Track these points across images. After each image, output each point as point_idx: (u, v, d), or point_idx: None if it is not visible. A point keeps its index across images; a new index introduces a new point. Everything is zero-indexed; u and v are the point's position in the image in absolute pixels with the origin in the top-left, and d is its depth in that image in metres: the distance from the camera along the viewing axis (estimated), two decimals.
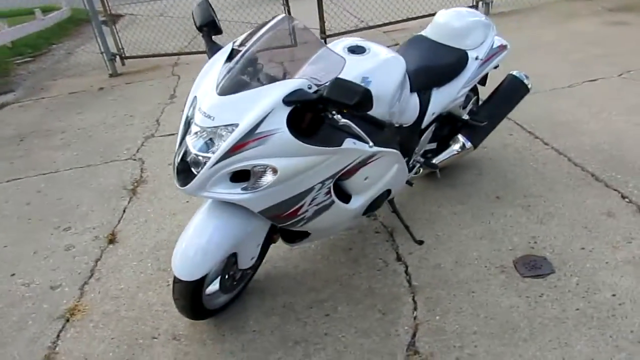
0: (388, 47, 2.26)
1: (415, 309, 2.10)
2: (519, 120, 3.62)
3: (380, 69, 2.04)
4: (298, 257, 2.50)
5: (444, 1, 6.75)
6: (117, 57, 6.58)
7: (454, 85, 2.52)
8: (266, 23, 1.86)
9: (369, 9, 7.11)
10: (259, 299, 2.26)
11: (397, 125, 2.25)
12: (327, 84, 1.56)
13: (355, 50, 2.09)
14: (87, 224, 3.04)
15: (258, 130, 1.62)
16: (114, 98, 5.54)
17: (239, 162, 1.65)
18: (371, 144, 1.83)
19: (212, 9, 2.01)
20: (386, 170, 2.16)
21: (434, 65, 2.46)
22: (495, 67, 2.85)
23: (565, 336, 1.89)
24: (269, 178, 1.68)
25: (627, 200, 2.62)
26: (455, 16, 2.63)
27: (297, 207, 1.83)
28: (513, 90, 2.83)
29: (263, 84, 1.71)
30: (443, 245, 2.46)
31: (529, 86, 2.83)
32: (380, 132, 1.99)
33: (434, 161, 2.66)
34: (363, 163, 1.97)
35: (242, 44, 1.84)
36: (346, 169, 1.91)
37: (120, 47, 6.63)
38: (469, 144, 2.70)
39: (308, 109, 1.69)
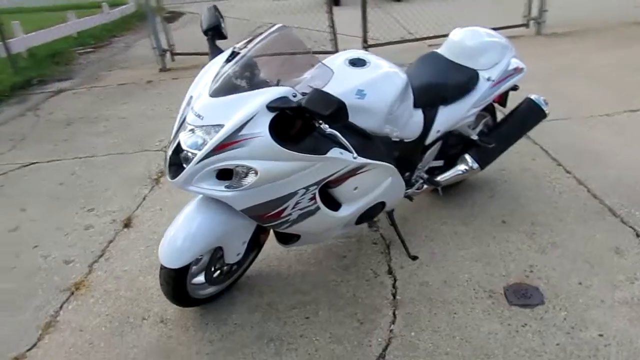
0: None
1: (393, 322, 2.12)
2: (545, 146, 3.53)
3: (377, 82, 2.08)
4: (293, 259, 2.56)
5: (492, 18, 6.68)
6: (168, 53, 6.91)
7: (462, 105, 2.51)
8: (265, 31, 1.95)
9: (419, 21, 7.11)
10: (247, 294, 2.34)
11: (396, 139, 2.28)
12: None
13: (356, 62, 2.14)
14: (109, 207, 3.23)
15: (241, 132, 1.70)
16: (159, 92, 5.83)
17: (222, 161, 1.74)
18: (355, 155, 1.88)
19: (220, 15, 2.12)
20: (378, 182, 2.19)
21: (442, 83, 2.47)
22: (515, 89, 2.81)
23: None
24: (250, 179, 1.76)
25: None
26: (469, 35, 2.63)
27: (279, 209, 1.90)
28: (528, 115, 2.78)
29: (252, 89, 1.80)
30: (436, 263, 2.45)
31: (547, 112, 2.77)
32: (370, 144, 2.03)
33: (438, 179, 2.66)
34: (351, 173, 2.01)
35: (240, 49, 1.93)
36: (333, 178, 1.96)
37: (171, 43, 6.95)
38: (475, 165, 2.68)
39: (295, 117, 1.76)
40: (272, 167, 1.76)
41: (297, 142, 1.80)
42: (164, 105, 5.23)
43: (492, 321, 2.08)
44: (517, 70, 2.66)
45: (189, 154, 1.79)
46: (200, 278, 2.17)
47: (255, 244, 2.26)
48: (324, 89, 1.78)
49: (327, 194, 2.09)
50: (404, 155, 2.39)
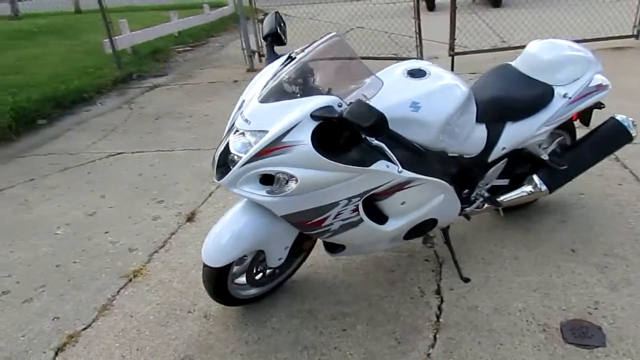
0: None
1: (432, 346, 2.02)
2: (636, 170, 3.21)
3: (433, 95, 2.00)
4: (340, 268, 2.53)
5: (596, 27, 6.20)
6: (256, 54, 7.15)
7: (533, 122, 2.34)
8: (320, 39, 1.94)
9: (514, 28, 6.77)
10: (290, 299, 2.35)
11: (454, 154, 2.17)
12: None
13: (415, 73, 2.07)
14: (177, 200, 3.40)
15: (284, 139, 1.71)
16: (243, 91, 6.02)
17: (264, 166, 1.76)
18: (400, 169, 1.82)
19: (281, 21, 2.14)
20: (428, 198, 2.10)
21: (511, 98, 2.31)
22: (599, 108, 2.58)
23: None
24: (291, 186, 1.77)
25: None
26: (547, 48, 2.43)
27: (320, 218, 1.89)
28: (610, 137, 2.52)
29: (303, 96, 1.80)
30: (489, 288, 2.31)
31: (633, 134, 2.50)
32: (421, 158, 1.96)
33: (500, 199, 2.50)
34: (398, 187, 1.95)
35: (295, 57, 1.94)
36: (378, 190, 1.91)
37: (259, 44, 7.18)
38: (544, 187, 2.48)
39: (340, 126, 1.74)
40: (313, 175, 1.74)
41: (344, 152, 1.78)
42: None
43: (542, 358, 1.92)
44: (600, 87, 2.42)
45: (235, 157, 1.83)
46: (243, 279, 2.21)
47: (299, 250, 2.26)
48: (375, 100, 1.75)
49: (374, 207, 2.05)
50: (462, 172, 2.28)
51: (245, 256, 2.10)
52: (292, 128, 1.71)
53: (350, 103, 1.66)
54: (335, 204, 1.86)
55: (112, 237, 3.02)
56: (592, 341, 1.98)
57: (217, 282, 2.06)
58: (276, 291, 2.38)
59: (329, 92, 1.83)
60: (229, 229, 2.00)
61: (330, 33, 1.96)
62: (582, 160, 2.53)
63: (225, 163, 1.91)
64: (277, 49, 2.15)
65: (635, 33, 6.38)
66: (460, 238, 2.67)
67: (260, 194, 1.82)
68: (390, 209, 2.04)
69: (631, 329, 2.02)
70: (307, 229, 1.95)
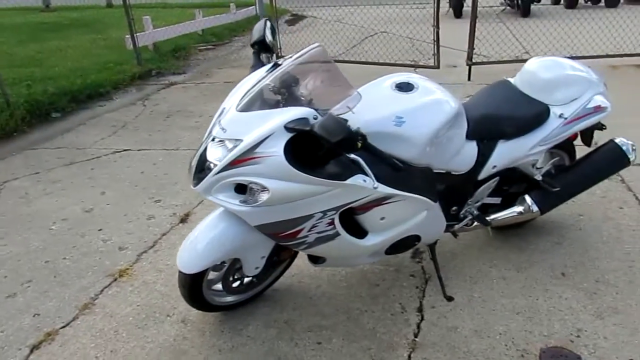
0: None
1: None
2: None
3: (419, 110, 1.96)
4: (325, 279, 2.51)
5: (624, 42, 6.03)
6: (274, 55, 7.16)
7: (526, 141, 2.27)
8: (303, 50, 1.92)
9: (540, 39, 6.63)
10: (269, 308, 2.33)
11: (440, 171, 2.13)
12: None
13: (403, 87, 2.03)
14: (173, 200, 3.42)
15: (257, 150, 1.70)
16: None
17: (237, 175, 1.75)
18: (376, 184, 1.79)
19: (272, 29, 2.13)
20: (410, 215, 2.06)
21: (504, 116, 2.26)
22: (600, 129, 2.50)
23: None
24: (263, 197, 1.75)
25: None
26: (546, 66, 2.36)
27: (294, 230, 1.87)
28: (608, 160, 2.44)
29: (283, 106, 1.78)
30: (472, 308, 2.25)
31: (632, 159, 2.41)
32: (402, 175, 1.91)
33: (490, 218, 2.44)
34: (376, 203, 1.92)
35: (278, 67, 1.92)
36: (356, 205, 1.88)
37: (278, 45, 7.19)
38: (535, 208, 2.40)
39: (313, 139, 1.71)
40: (285, 187, 1.73)
41: (322, 164, 1.76)
42: None
43: None
44: (599, 109, 2.33)
45: (211, 165, 1.83)
46: (219, 285, 2.20)
47: (278, 261, 2.24)
48: (357, 113, 1.72)
49: (354, 220, 2.02)
50: (450, 188, 2.23)
51: (224, 262, 2.10)
52: (265, 138, 1.69)
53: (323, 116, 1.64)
54: (310, 217, 1.84)
55: (104, 234, 3.05)
56: None
57: (192, 288, 2.06)
58: (256, 299, 2.36)
59: (309, 103, 1.82)
60: (205, 236, 1.99)
61: (313, 44, 1.94)
62: (576, 183, 2.45)
63: (203, 169, 1.90)
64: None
65: None
66: (450, 254, 2.62)
67: (234, 202, 1.81)
68: (369, 223, 2.01)
69: None
70: (281, 240, 1.93)
